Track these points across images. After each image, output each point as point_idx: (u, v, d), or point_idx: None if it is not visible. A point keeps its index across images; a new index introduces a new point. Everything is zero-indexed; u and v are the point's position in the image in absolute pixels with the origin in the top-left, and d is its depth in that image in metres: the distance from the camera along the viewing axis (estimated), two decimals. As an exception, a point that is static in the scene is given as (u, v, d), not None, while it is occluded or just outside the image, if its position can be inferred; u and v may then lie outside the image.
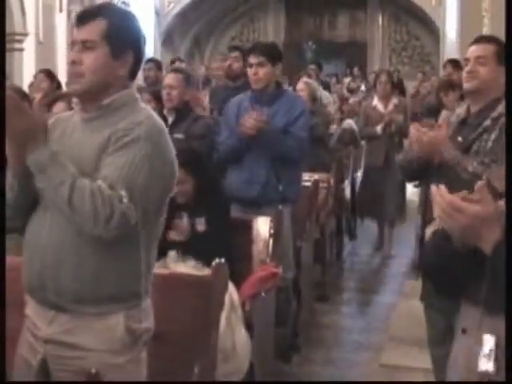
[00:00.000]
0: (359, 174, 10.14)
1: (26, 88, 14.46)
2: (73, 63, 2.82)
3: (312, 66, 14.01)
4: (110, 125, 2.79)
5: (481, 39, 4.28)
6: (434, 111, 7.65)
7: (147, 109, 2.94)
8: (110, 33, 2.82)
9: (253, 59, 5.60)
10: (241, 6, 22.87)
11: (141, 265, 2.80)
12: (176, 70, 6.42)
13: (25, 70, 16.14)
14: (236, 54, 8.24)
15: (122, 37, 2.85)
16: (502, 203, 2.16)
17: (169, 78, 6.10)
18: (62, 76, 16.77)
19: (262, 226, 4.89)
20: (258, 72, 5.56)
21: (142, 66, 8.42)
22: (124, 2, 20.37)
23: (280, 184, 5.49)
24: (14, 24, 15.85)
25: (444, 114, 7.25)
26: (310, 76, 12.27)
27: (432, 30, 22.03)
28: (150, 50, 21.44)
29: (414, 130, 4.19)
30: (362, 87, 18.64)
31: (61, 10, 17.01)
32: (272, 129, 5.40)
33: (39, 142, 2.65)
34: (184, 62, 12.17)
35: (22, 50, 16.19)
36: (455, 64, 8.96)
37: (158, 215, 2.88)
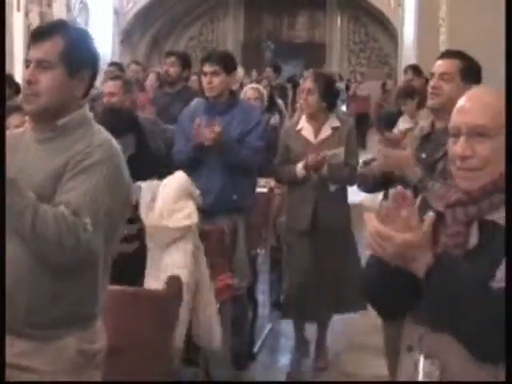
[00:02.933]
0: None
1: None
2: (29, 82, 2.78)
3: (269, 69, 13.85)
4: (66, 148, 2.75)
5: (446, 54, 4.28)
6: (394, 120, 7.51)
7: (102, 129, 2.91)
8: (66, 52, 2.79)
9: (207, 68, 5.60)
10: (200, 6, 22.80)
11: (98, 287, 2.80)
12: (114, 77, 6.41)
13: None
14: (172, 59, 8.20)
15: (78, 56, 2.83)
16: (431, 214, 2.19)
17: (108, 86, 6.09)
18: (19, 77, 16.80)
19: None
20: (213, 81, 5.55)
21: (104, 69, 8.35)
22: (82, 2, 20.27)
23: (235, 194, 5.51)
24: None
25: (402, 121, 7.28)
26: (268, 78, 12.22)
27: (391, 32, 22.13)
28: (109, 49, 21.34)
29: (381, 144, 4.25)
30: None
31: (18, 9, 16.85)
32: (227, 139, 5.41)
33: None
34: (140, 65, 12.12)
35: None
36: (416, 70, 8.89)
37: (116, 237, 2.88)
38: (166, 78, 8.25)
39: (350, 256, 5.87)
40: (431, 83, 4.13)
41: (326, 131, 5.85)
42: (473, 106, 2.27)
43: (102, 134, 2.87)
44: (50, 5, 18.76)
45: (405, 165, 4.02)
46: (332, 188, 5.83)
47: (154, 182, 4.31)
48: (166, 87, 8.32)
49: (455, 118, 2.29)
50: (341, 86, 16.67)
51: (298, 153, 5.79)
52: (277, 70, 14.30)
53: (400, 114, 7.63)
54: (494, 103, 2.25)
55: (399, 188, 2.21)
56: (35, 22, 18.12)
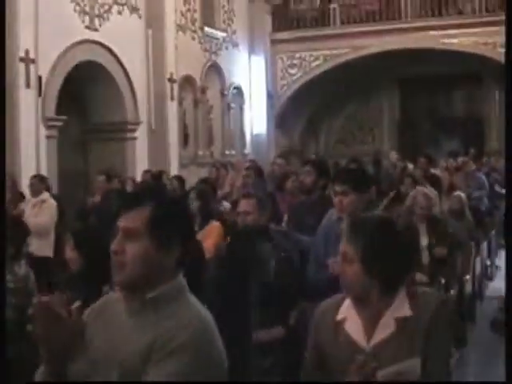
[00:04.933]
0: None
1: (138, 175, 14.81)
2: (115, 253, 2.62)
3: (422, 159, 13.69)
4: (155, 324, 2.58)
5: None
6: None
7: (195, 303, 2.70)
8: (154, 223, 2.61)
9: (337, 187, 5.37)
10: (353, 87, 22.72)
11: None
12: (247, 196, 6.19)
13: (138, 158, 16.43)
14: (308, 168, 8.05)
15: (167, 227, 2.63)
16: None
17: (243, 204, 5.93)
18: (174, 163, 17.13)
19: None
20: (342, 201, 5.30)
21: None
22: (236, 87, 20.61)
23: None
24: (127, 113, 16.19)
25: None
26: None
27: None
28: (264, 132, 21.58)
29: None
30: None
31: (172, 98, 17.29)
32: None
33: (79, 351, 2.43)
34: (283, 161, 12.34)
35: (134, 138, 16.49)
36: None
37: None
38: (301, 187, 8.15)
39: None
40: None
41: (385, 327, 3.15)
42: None
43: (193, 309, 2.66)
44: (204, 91, 19.16)
45: None
46: None
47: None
48: (302, 196, 8.17)
49: None
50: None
51: (339, 362, 3.17)
52: (429, 159, 14.24)
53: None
54: None
55: None
56: (190, 109, 18.56)
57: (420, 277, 7.03)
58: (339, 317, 3.26)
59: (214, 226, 7.80)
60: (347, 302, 3.28)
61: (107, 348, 2.60)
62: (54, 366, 2.50)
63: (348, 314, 3.25)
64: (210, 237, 7.64)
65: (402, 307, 3.15)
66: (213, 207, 8.57)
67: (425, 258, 7.65)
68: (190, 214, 2.85)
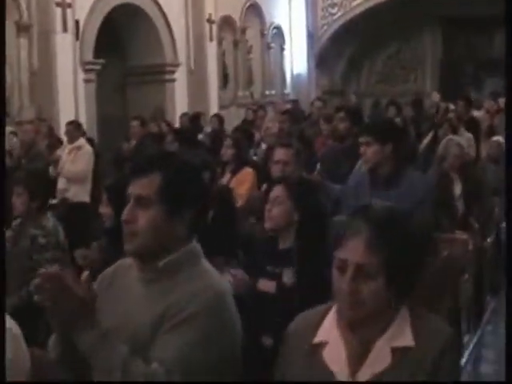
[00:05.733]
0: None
1: (177, 120, 14.80)
2: (126, 222, 2.59)
3: (461, 102, 13.62)
4: (167, 292, 2.56)
5: None
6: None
7: (208, 271, 2.67)
8: (165, 190, 2.58)
9: (361, 138, 5.38)
10: (394, 26, 22.31)
11: None
12: (286, 145, 6.09)
13: (177, 100, 16.39)
14: (341, 114, 7.94)
15: (178, 194, 2.61)
16: None
17: (280, 154, 5.86)
18: (214, 105, 17.08)
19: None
20: (366, 152, 5.31)
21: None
22: (276, 27, 20.40)
23: None
24: (165, 55, 16.12)
25: None
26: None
27: None
28: (304, 72, 21.39)
29: None
30: None
31: (211, 39, 17.16)
32: None
33: (87, 323, 2.41)
34: (321, 101, 12.21)
35: (173, 80, 16.42)
36: None
37: None
38: (334, 133, 8.04)
39: None
40: None
41: (377, 359, 2.36)
42: None
43: (205, 277, 2.63)
44: (243, 32, 19.00)
45: None
46: None
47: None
48: (335, 142, 8.11)
49: None
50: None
51: None
52: (468, 101, 14.15)
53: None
54: None
55: None
56: (229, 49, 18.43)
57: (460, 234, 6.92)
58: (317, 339, 2.46)
59: (248, 172, 7.81)
60: (330, 319, 2.48)
61: (119, 319, 2.60)
62: (63, 336, 2.52)
63: (329, 337, 2.45)
64: (244, 183, 7.65)
65: (401, 334, 2.36)
66: (247, 155, 8.54)
67: (460, 206, 7.56)
68: (201, 179, 2.80)
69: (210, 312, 2.51)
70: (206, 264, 2.70)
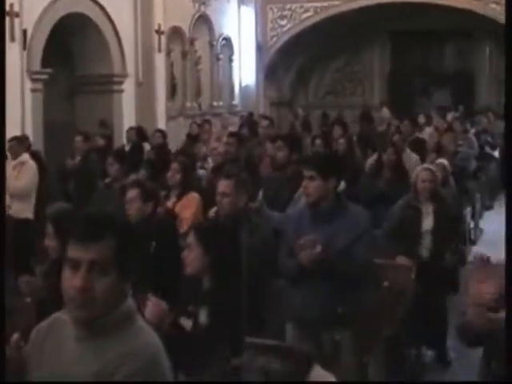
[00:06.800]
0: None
1: (124, 130, 14.75)
2: (83, 290, 2.51)
3: (406, 122, 13.76)
4: (101, 351, 2.56)
5: None
6: None
7: (143, 329, 2.68)
8: (121, 254, 2.57)
9: (305, 171, 5.29)
10: (344, 39, 22.49)
11: None
12: (228, 176, 6.04)
13: (125, 111, 16.32)
14: (279, 143, 7.95)
15: (132, 256, 2.64)
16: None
17: (222, 186, 5.86)
18: (162, 116, 17.05)
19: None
20: (308, 186, 5.22)
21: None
22: (225, 38, 20.42)
23: (340, 308, 5.05)
24: (114, 66, 16.04)
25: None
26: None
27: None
28: (253, 83, 21.45)
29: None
30: (471, 131, 16.48)
31: (159, 50, 17.13)
32: (332, 252, 4.93)
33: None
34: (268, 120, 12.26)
35: (121, 91, 16.35)
36: None
37: None
38: (273, 163, 8.00)
39: None
40: None
41: None
42: None
43: (141, 337, 2.64)
44: (192, 43, 18.99)
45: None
46: None
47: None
48: (274, 171, 8.03)
49: None
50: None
51: None
52: (414, 122, 14.38)
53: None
54: None
55: None
56: (178, 60, 18.40)
57: (403, 260, 6.91)
58: None
59: (193, 196, 7.80)
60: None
61: (56, 374, 2.60)
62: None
63: None
64: (189, 208, 7.65)
65: None
66: (192, 178, 8.53)
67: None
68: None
69: (146, 372, 2.53)
70: (140, 321, 2.71)
